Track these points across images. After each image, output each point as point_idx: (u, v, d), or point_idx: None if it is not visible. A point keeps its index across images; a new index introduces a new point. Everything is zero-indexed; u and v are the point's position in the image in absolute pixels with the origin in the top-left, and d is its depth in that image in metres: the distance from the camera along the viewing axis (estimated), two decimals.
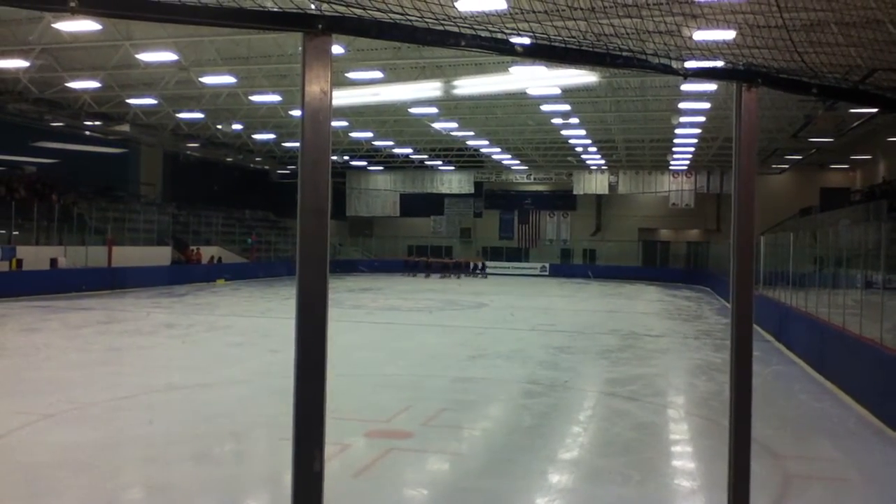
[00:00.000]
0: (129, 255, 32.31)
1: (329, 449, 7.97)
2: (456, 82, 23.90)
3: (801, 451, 8.83)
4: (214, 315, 22.69)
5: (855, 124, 26.92)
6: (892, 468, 8.20)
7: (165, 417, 9.59)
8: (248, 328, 19.21)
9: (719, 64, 4.26)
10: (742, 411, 3.61)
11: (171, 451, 8.16)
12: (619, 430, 9.65)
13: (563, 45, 3.08)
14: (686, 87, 23.23)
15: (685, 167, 44.29)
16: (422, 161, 47.41)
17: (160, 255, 35.56)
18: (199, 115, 32.09)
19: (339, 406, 9.39)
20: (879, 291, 11.75)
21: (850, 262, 14.15)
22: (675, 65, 3.35)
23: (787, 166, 42.94)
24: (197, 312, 23.24)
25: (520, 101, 28.55)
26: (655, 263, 48.84)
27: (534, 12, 4.26)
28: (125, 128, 33.28)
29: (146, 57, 22.25)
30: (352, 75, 23.33)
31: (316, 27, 2.54)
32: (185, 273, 35.43)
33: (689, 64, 3.80)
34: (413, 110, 30.20)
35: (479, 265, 47.08)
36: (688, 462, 8.57)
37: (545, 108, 29.02)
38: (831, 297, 14.31)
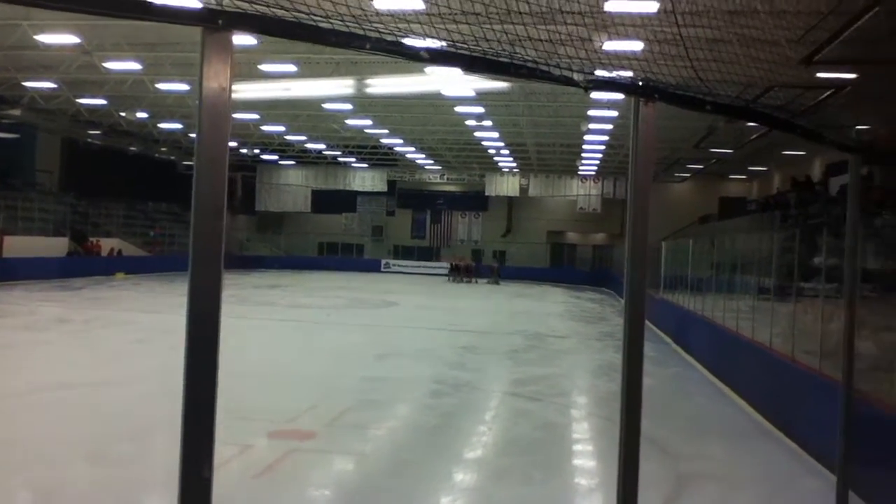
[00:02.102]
0: (21, 246, 30.68)
1: (230, 450, 7.85)
2: (370, 80, 23.74)
3: (695, 451, 9.18)
4: (112, 310, 21.86)
5: (753, 137, 28.14)
6: (778, 466, 8.63)
7: (58, 417, 9.19)
8: (148, 324, 18.59)
9: (627, 74, 4.38)
10: (632, 411, 3.73)
11: (63, 452, 7.82)
12: (522, 430, 9.82)
13: (469, 53, 3.11)
14: (595, 95, 23.78)
15: (593, 173, 45.40)
16: (335, 157, 46.90)
17: (55, 246, 33.96)
18: (102, 102, 30.79)
19: (242, 406, 9.20)
20: (770, 297, 12.35)
21: (745, 268, 14.81)
22: (577, 76, 3.43)
23: (688, 175, 44.57)
24: (94, 307, 22.34)
25: (435, 102, 28.62)
26: (562, 265, 49.97)
27: (451, 13, 4.26)
28: (17, 111, 31.61)
29: (46, 38, 21.20)
30: (265, 67, 22.85)
31: (216, 22, 2.48)
32: (82, 265, 33.96)
33: (597, 73, 3.90)
34: (327, 106, 29.87)
35: (496, 270, 45.92)
36: (588, 461, 8.81)
37: (460, 109, 29.20)
38: (726, 302, 14.96)
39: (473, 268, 46.10)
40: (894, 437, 6.90)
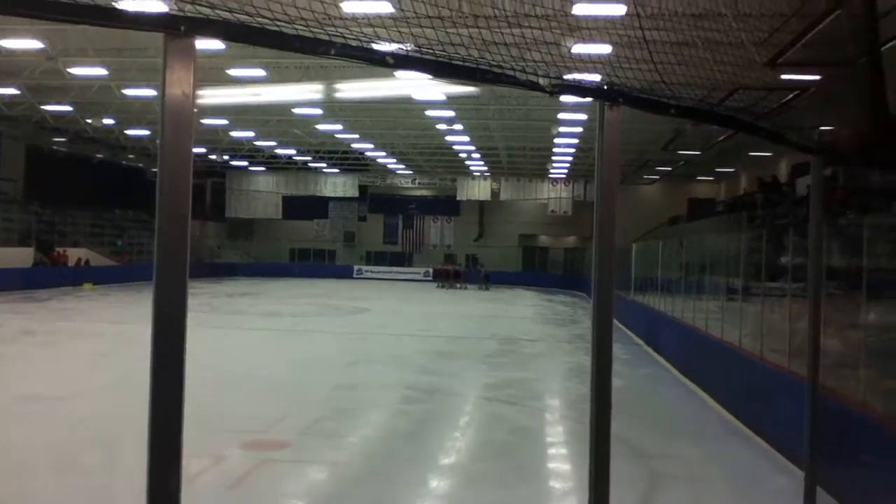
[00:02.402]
0: None
1: (203, 461, 7.75)
2: (340, 85, 23.63)
3: (666, 451, 9.25)
4: (79, 321, 21.52)
5: (720, 138, 28.49)
6: (746, 464, 8.73)
7: (24, 430, 9.01)
8: (116, 336, 18.31)
9: (595, 77, 4.41)
10: (602, 414, 3.75)
11: (29, 464, 7.68)
12: (496, 435, 9.83)
13: (434, 58, 3.11)
14: (565, 98, 23.87)
15: (563, 176, 45.64)
16: (305, 163, 46.62)
17: (21, 257, 33.32)
18: (68, 108, 30.35)
19: (215, 416, 9.11)
20: (738, 297, 12.49)
21: (714, 269, 14.97)
22: (542, 81, 3.45)
23: (657, 177, 45.00)
24: (61, 319, 21.98)
25: (405, 106, 28.56)
26: (534, 269, 50.18)
27: (417, 17, 4.26)
28: None
29: (8, 44, 20.85)
30: (233, 72, 22.68)
31: (178, 29, 2.45)
32: (48, 276, 33.38)
33: (563, 77, 3.92)
34: (297, 111, 29.70)
35: (486, 276, 44.56)
36: (561, 464, 8.83)
37: (430, 113, 29.19)
38: (696, 303, 15.10)
39: (463, 273, 45.42)
40: (860, 433, 7.01)
